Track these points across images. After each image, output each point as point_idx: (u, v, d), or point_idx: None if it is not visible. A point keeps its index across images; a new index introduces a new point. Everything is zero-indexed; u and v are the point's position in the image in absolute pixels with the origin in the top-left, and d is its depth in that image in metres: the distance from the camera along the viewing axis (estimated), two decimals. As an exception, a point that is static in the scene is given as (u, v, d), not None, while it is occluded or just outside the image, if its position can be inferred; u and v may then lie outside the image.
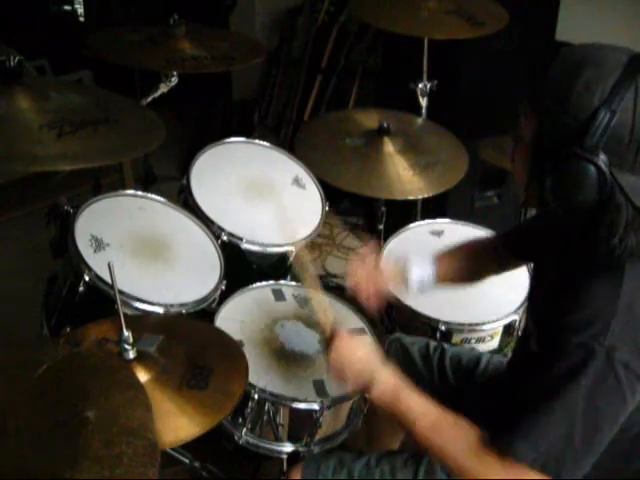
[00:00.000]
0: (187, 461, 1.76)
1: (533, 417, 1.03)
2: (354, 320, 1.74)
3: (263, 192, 2.00)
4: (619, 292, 1.01)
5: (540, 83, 1.05)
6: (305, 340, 1.64)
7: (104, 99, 1.76)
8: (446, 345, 1.63)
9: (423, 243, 2.03)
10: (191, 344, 1.35)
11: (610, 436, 1.02)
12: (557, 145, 1.01)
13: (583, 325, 1.01)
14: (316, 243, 2.98)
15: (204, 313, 1.68)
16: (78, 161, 1.44)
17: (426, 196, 1.95)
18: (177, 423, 1.15)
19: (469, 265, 1.54)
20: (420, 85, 2.32)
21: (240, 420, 1.54)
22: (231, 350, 1.39)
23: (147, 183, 3.14)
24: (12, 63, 1.55)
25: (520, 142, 1.10)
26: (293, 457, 1.55)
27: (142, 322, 1.48)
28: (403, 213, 2.33)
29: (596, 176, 0.98)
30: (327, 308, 1.37)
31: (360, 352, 1.24)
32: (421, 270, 1.50)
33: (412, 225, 2.10)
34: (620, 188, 0.99)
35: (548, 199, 1.04)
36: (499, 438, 1.05)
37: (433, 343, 1.63)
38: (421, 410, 1.14)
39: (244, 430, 1.54)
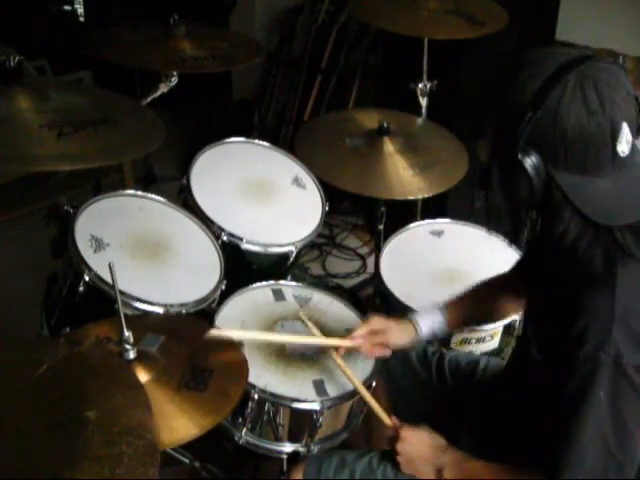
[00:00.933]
0: (187, 461, 1.76)
1: (568, 443, 1.03)
2: (354, 320, 1.74)
3: (263, 192, 2.00)
4: (614, 297, 1.01)
5: (494, 83, 1.09)
6: (305, 340, 1.64)
7: (104, 99, 1.76)
8: (444, 350, 1.63)
9: (423, 243, 2.03)
10: (192, 345, 1.35)
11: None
12: (498, 141, 1.05)
13: (585, 337, 1.01)
14: (316, 243, 2.98)
15: (204, 313, 1.68)
16: (78, 161, 1.44)
17: (426, 196, 1.95)
18: (176, 423, 1.15)
19: (481, 306, 1.55)
20: (420, 85, 2.32)
21: (240, 420, 1.54)
22: (231, 352, 1.39)
23: (147, 183, 3.13)
24: (12, 63, 1.55)
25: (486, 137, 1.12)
26: (293, 457, 1.55)
27: (142, 322, 1.48)
28: (403, 213, 2.33)
29: (525, 172, 1.00)
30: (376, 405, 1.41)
31: (426, 446, 1.27)
32: (430, 319, 1.50)
33: (412, 225, 2.10)
34: (557, 185, 1.00)
35: (497, 196, 1.08)
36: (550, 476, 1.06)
37: (431, 348, 1.63)
38: (501, 475, 1.17)
39: (244, 430, 1.54)
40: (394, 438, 1.30)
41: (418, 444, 1.28)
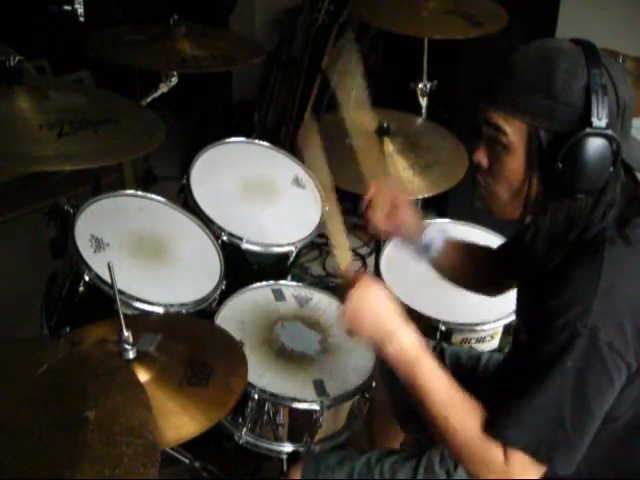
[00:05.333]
0: (187, 461, 1.76)
1: (522, 401, 1.02)
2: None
3: (263, 192, 2.00)
4: (599, 274, 1.01)
5: (512, 87, 1.06)
6: (305, 340, 1.64)
7: (104, 99, 1.76)
8: (445, 344, 1.63)
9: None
10: (191, 342, 1.35)
11: (599, 419, 1.02)
12: (561, 135, 1.02)
13: (565, 307, 1.01)
14: (316, 243, 2.98)
15: (204, 313, 1.68)
16: (78, 161, 1.44)
17: (426, 196, 1.95)
18: (179, 421, 1.15)
19: (470, 265, 1.51)
20: (420, 85, 2.32)
21: (240, 420, 1.54)
22: (230, 347, 1.40)
23: (147, 183, 3.14)
24: (12, 63, 1.55)
25: (506, 152, 1.08)
26: (293, 457, 1.55)
27: (141, 321, 1.49)
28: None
29: (612, 149, 1.01)
30: (344, 239, 1.24)
31: (383, 304, 1.13)
32: (436, 233, 1.44)
33: (412, 225, 2.09)
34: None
35: (559, 187, 1.04)
36: (494, 424, 1.04)
37: (432, 342, 1.63)
38: (436, 385, 1.09)
39: (244, 430, 1.54)
40: (350, 282, 1.14)
41: (370, 305, 1.12)
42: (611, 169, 1.02)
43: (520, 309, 1.28)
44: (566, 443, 1.01)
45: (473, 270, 1.50)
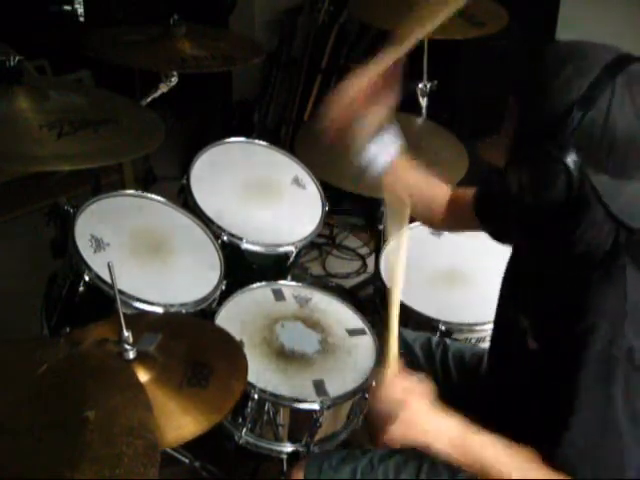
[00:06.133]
0: (187, 461, 1.76)
1: (585, 435, 1.02)
2: (354, 320, 1.74)
3: (263, 192, 2.00)
4: (625, 293, 1.01)
5: (526, 75, 1.06)
6: (305, 340, 1.64)
7: (104, 99, 1.76)
8: (448, 341, 1.62)
9: (423, 243, 2.03)
10: (191, 342, 1.35)
11: None
12: (535, 137, 1.00)
13: (597, 332, 1.00)
14: (316, 243, 2.98)
15: (204, 313, 1.68)
16: (78, 161, 1.44)
17: (426, 196, 1.94)
18: (180, 421, 1.16)
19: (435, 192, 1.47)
20: (420, 85, 2.32)
21: (240, 420, 1.54)
22: (231, 347, 1.40)
23: (147, 183, 3.13)
24: (12, 63, 1.55)
25: (503, 135, 1.08)
26: (293, 457, 1.55)
27: (141, 321, 1.48)
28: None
29: (564, 175, 0.97)
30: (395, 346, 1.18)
31: (430, 418, 1.10)
32: (381, 149, 1.37)
33: (412, 225, 2.09)
34: (591, 187, 0.98)
35: (525, 194, 1.03)
36: (560, 462, 1.03)
37: (435, 339, 1.62)
38: (491, 452, 1.07)
39: (244, 430, 1.54)
40: (397, 400, 1.10)
41: (422, 415, 1.10)
42: (565, 195, 0.98)
43: (519, 307, 1.27)
44: (627, 459, 1.01)
45: (437, 200, 1.47)
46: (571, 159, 0.96)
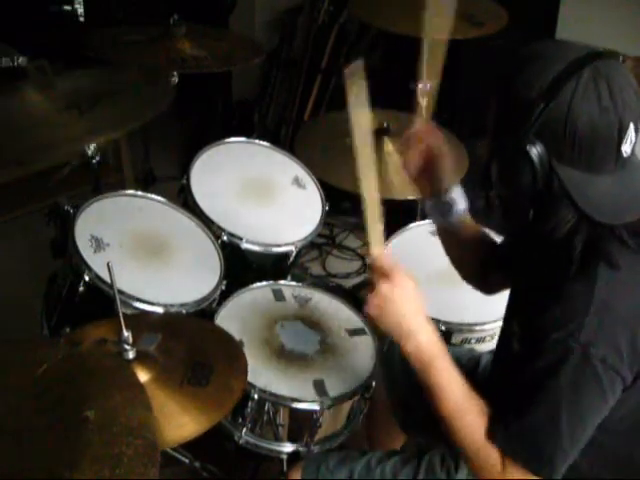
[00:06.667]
0: (187, 461, 1.76)
1: (521, 416, 1.04)
2: (354, 320, 1.74)
3: (263, 192, 2.01)
4: (592, 290, 1.01)
5: (496, 78, 1.08)
6: (305, 340, 1.64)
7: (107, 73, 1.78)
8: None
9: (423, 243, 2.03)
10: (190, 341, 1.35)
11: (592, 430, 1.04)
12: (503, 130, 1.04)
13: (559, 323, 1.02)
14: (316, 243, 2.98)
15: (204, 313, 1.68)
16: (109, 130, 1.47)
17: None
18: (183, 420, 1.16)
19: (476, 249, 1.48)
20: (420, 85, 2.32)
21: (240, 420, 1.54)
22: (230, 347, 1.40)
23: (147, 183, 3.13)
24: (17, 62, 1.56)
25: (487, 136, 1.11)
26: (293, 457, 1.55)
27: (141, 321, 1.49)
28: (403, 213, 2.33)
29: (529, 164, 0.99)
30: (379, 222, 1.20)
31: (410, 304, 1.13)
32: (459, 197, 1.40)
33: (412, 225, 2.10)
34: (559, 180, 1.00)
35: (495, 188, 1.07)
36: (495, 435, 1.07)
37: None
38: (450, 386, 1.12)
39: (244, 430, 1.54)
40: (382, 274, 1.13)
41: (403, 298, 1.12)
42: (532, 186, 1.01)
43: (514, 312, 1.28)
44: (562, 457, 1.04)
45: (474, 256, 1.48)
46: (535, 150, 0.99)
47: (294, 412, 1.51)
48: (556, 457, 1.03)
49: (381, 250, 1.19)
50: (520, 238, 1.22)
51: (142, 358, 1.23)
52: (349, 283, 2.88)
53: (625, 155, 1.00)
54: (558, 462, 1.04)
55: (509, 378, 1.11)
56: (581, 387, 1.01)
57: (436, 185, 1.37)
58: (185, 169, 1.94)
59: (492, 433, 1.07)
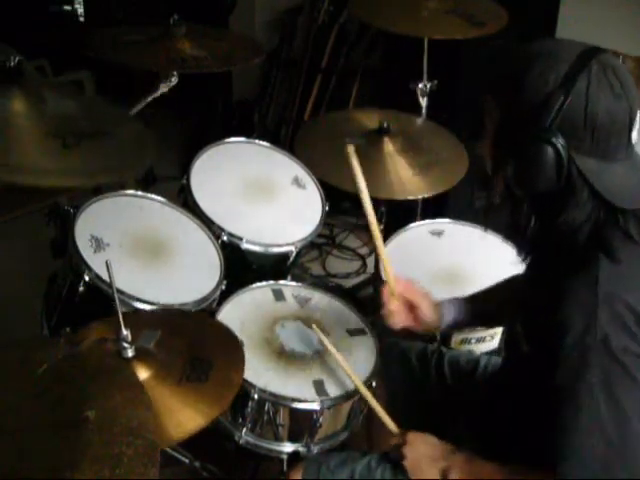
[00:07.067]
0: (187, 461, 1.76)
1: (564, 435, 1.02)
2: (354, 320, 1.74)
3: (263, 192, 2.00)
4: (597, 281, 1.01)
5: (498, 76, 1.09)
6: (305, 340, 1.64)
7: (95, 106, 1.74)
8: (444, 349, 1.63)
9: (423, 243, 2.03)
10: (189, 337, 1.35)
11: (637, 418, 1.01)
12: (516, 131, 1.04)
13: (571, 323, 1.01)
14: (316, 243, 2.98)
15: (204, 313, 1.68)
16: (84, 177, 1.42)
17: (426, 196, 1.95)
18: (182, 417, 1.16)
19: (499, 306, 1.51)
20: (420, 85, 2.32)
21: (240, 420, 1.54)
22: (229, 342, 1.40)
23: (147, 183, 3.13)
24: (12, 63, 1.55)
25: (485, 136, 1.13)
26: (293, 457, 1.55)
27: (140, 318, 1.49)
28: (403, 213, 2.33)
29: (553, 156, 1.00)
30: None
31: (435, 449, 1.27)
32: (454, 309, 1.50)
33: (412, 225, 2.10)
34: (578, 170, 1.01)
35: (513, 187, 1.07)
36: (562, 473, 1.03)
37: (431, 347, 1.63)
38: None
39: (244, 430, 1.54)
40: (400, 443, 1.31)
41: (425, 446, 1.28)
42: (556, 178, 1.02)
43: (519, 311, 1.28)
44: (622, 460, 1.01)
45: (490, 313, 1.54)
46: (559, 143, 0.99)
47: (294, 412, 1.51)
48: (614, 459, 1.00)
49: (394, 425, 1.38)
50: (524, 234, 1.22)
51: (141, 355, 1.23)
52: (349, 283, 2.88)
53: (633, 142, 1.03)
54: (617, 462, 1.00)
55: (538, 397, 1.10)
56: (612, 381, 0.99)
57: (425, 325, 1.48)
58: (185, 169, 1.94)
59: (560, 474, 1.03)
